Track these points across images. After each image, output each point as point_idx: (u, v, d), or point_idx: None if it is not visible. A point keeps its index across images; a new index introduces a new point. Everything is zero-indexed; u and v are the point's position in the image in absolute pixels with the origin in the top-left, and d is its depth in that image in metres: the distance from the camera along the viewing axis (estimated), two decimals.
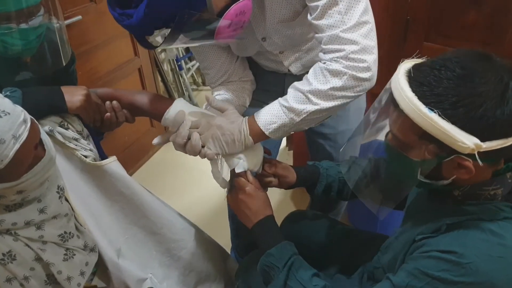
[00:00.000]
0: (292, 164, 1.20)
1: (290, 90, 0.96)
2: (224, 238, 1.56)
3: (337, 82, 0.88)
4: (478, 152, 0.65)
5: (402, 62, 0.74)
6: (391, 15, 1.66)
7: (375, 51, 0.89)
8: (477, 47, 1.48)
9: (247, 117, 0.99)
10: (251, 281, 1.11)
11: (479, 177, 0.71)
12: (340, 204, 1.60)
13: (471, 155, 0.66)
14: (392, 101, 0.72)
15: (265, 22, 1.00)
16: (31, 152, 0.74)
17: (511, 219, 0.69)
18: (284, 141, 2.44)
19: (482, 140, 0.64)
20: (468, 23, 1.48)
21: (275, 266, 0.90)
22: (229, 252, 1.61)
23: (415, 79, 0.68)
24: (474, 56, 0.67)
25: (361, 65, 0.87)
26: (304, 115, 0.92)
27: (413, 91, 0.67)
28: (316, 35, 0.92)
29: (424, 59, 0.73)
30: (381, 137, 0.83)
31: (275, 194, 2.08)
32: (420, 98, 0.66)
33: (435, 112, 0.64)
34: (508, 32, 1.40)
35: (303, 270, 0.89)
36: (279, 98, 0.98)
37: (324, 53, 0.91)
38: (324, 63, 0.90)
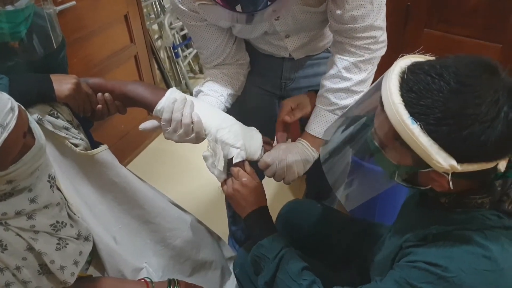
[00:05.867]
0: None
1: (329, 95, 1.03)
2: (221, 226, 1.56)
3: (370, 67, 1.01)
4: (454, 172, 0.62)
5: (400, 57, 0.70)
6: (391, 1, 1.62)
7: None
8: (479, 32, 1.46)
9: (304, 142, 1.05)
10: (248, 270, 1.11)
11: (463, 187, 0.68)
12: None
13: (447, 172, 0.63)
14: (380, 100, 0.68)
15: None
16: (20, 141, 0.72)
17: (497, 228, 0.67)
18: None
19: (460, 161, 0.61)
20: (470, 8, 1.45)
21: (265, 257, 0.90)
22: (226, 239, 1.61)
23: (406, 83, 0.64)
24: (476, 68, 0.61)
25: (383, 45, 1.01)
26: (351, 105, 0.97)
27: (401, 95, 0.63)
28: (347, 25, 0.96)
29: (426, 57, 0.69)
30: (363, 130, 0.80)
31: (272, 183, 2.07)
32: (406, 106, 0.62)
33: (417, 124, 0.61)
34: (510, 17, 1.37)
35: (293, 263, 0.88)
36: (322, 106, 1.04)
37: (352, 38, 0.98)
38: (353, 56, 0.99)
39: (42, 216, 0.82)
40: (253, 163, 1.04)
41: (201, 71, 3.27)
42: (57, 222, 0.84)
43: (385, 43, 1.02)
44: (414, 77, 0.63)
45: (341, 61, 1.01)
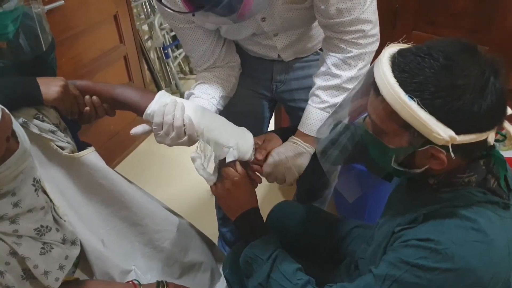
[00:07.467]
0: None
1: (320, 93, 1.03)
2: (211, 228, 1.56)
3: (360, 63, 0.99)
4: (452, 145, 0.65)
5: (387, 45, 0.73)
6: (379, 3, 1.63)
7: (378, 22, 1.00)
8: (465, 34, 1.47)
9: (298, 140, 1.05)
10: (238, 271, 1.11)
11: (453, 166, 0.71)
12: (326, 191, 1.60)
13: (444, 147, 0.66)
14: (373, 86, 0.71)
15: (273, 1, 0.98)
16: (3, 145, 0.71)
17: (484, 203, 0.70)
18: (272, 126, 2.42)
19: (457, 133, 0.64)
20: (457, 11, 1.47)
21: (259, 258, 0.89)
22: (215, 241, 1.60)
23: (398, 65, 0.67)
24: (460, 46, 0.66)
25: (374, 39, 0.99)
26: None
27: (395, 77, 0.66)
28: (333, 20, 0.95)
29: (410, 45, 0.72)
30: (358, 119, 0.83)
31: (262, 185, 2.06)
32: (401, 85, 0.65)
33: (414, 101, 0.64)
34: (496, 19, 1.39)
35: (287, 263, 0.88)
36: (313, 104, 1.05)
37: (340, 32, 0.97)
38: (342, 50, 0.98)
39: (26, 220, 0.80)
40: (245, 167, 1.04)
41: (191, 72, 3.26)
42: (42, 226, 0.83)
43: (377, 38, 1.00)
44: (404, 59, 0.67)
45: (330, 58, 1.01)
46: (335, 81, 1.01)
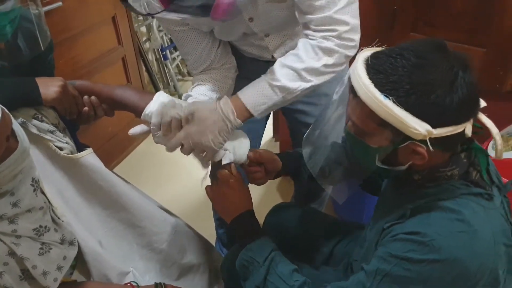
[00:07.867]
0: None
1: (277, 69, 0.94)
2: (208, 229, 1.56)
3: (329, 59, 0.92)
4: (431, 138, 0.67)
5: (361, 50, 0.76)
6: (378, 5, 1.64)
7: (359, 29, 0.94)
8: (464, 36, 1.48)
9: (225, 98, 0.95)
10: (236, 273, 1.11)
11: (436, 161, 0.74)
12: (324, 192, 1.60)
13: (424, 142, 0.68)
14: (351, 89, 0.73)
15: (255, 1, 0.97)
16: (3, 144, 0.71)
17: (467, 195, 0.72)
18: (270, 132, 2.43)
19: (434, 126, 0.66)
20: (455, 12, 1.47)
21: (255, 261, 0.89)
22: (213, 243, 1.60)
23: (372, 67, 0.69)
24: (430, 46, 0.69)
25: (350, 44, 0.93)
26: (297, 93, 0.94)
27: (370, 78, 0.69)
28: (306, 16, 0.92)
29: (383, 48, 0.75)
30: (342, 124, 0.85)
31: (258, 187, 2.07)
32: (376, 86, 0.68)
33: (389, 99, 0.66)
34: (495, 20, 1.40)
35: (283, 265, 0.88)
36: (265, 77, 0.96)
37: (313, 30, 0.93)
38: (315, 39, 0.92)
39: (25, 220, 0.80)
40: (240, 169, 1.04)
41: (189, 74, 3.26)
42: (40, 226, 0.83)
43: (354, 44, 0.93)
44: (377, 61, 0.70)
45: (303, 42, 0.95)
46: (297, 65, 0.92)
